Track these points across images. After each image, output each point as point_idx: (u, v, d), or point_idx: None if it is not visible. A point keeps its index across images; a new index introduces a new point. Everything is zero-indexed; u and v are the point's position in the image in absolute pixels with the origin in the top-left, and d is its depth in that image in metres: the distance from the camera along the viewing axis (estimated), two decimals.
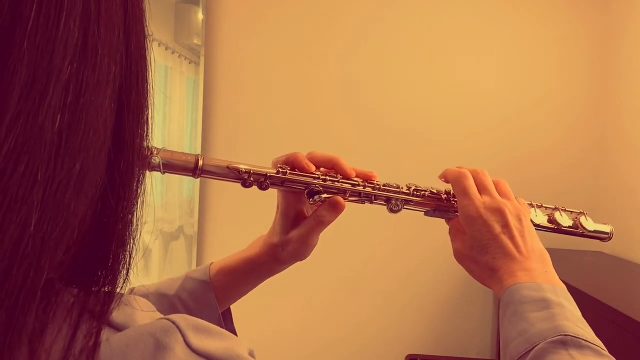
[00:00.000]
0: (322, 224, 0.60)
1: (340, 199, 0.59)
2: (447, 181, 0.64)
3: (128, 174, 0.32)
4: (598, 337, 0.50)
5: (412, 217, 1.90)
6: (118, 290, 0.32)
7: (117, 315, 0.31)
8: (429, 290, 1.88)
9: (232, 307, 0.66)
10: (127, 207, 0.32)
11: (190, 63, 1.82)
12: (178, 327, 0.31)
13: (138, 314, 0.32)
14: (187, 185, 1.87)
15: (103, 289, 0.32)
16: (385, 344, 1.88)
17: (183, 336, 0.30)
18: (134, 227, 0.33)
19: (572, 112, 1.86)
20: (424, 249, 1.87)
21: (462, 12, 1.84)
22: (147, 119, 0.33)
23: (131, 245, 0.33)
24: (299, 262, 0.62)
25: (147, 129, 0.33)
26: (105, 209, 0.31)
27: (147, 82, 0.33)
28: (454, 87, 1.85)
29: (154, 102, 0.34)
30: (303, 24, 1.85)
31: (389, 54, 1.85)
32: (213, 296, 0.62)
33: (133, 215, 0.33)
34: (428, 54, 1.85)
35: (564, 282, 0.56)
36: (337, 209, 0.59)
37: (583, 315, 0.53)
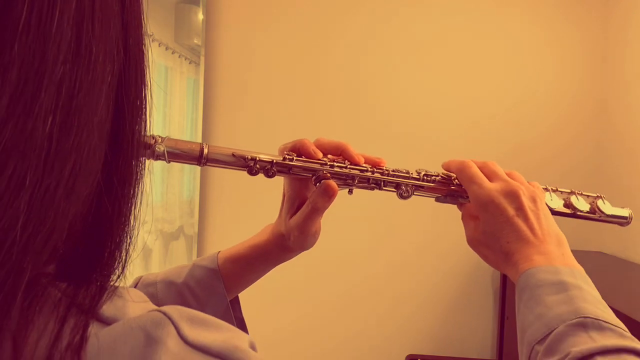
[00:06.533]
0: (316, 211, 0.57)
1: (332, 182, 0.56)
2: (449, 171, 0.62)
3: (126, 172, 0.32)
4: None
5: (415, 219, 1.88)
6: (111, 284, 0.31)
7: (107, 308, 0.30)
8: (430, 290, 1.88)
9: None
10: (124, 205, 0.32)
11: (190, 63, 1.82)
12: (170, 319, 0.29)
13: (129, 305, 0.31)
14: (187, 185, 1.87)
15: (95, 283, 0.31)
16: (385, 344, 1.88)
17: (176, 328, 0.29)
18: (132, 225, 0.33)
19: (566, 103, 1.86)
20: (424, 250, 1.87)
21: (462, 11, 1.84)
22: (146, 115, 0.33)
23: (127, 243, 0.32)
24: (302, 263, 0.61)
25: (146, 125, 0.33)
26: (101, 208, 0.30)
27: (145, 77, 0.32)
28: (456, 81, 1.85)
29: (152, 98, 0.33)
30: (303, 23, 1.85)
31: (390, 53, 1.84)
32: (221, 284, 0.61)
33: (130, 213, 0.32)
34: (430, 52, 1.85)
35: None
36: (328, 194, 0.56)
37: None
